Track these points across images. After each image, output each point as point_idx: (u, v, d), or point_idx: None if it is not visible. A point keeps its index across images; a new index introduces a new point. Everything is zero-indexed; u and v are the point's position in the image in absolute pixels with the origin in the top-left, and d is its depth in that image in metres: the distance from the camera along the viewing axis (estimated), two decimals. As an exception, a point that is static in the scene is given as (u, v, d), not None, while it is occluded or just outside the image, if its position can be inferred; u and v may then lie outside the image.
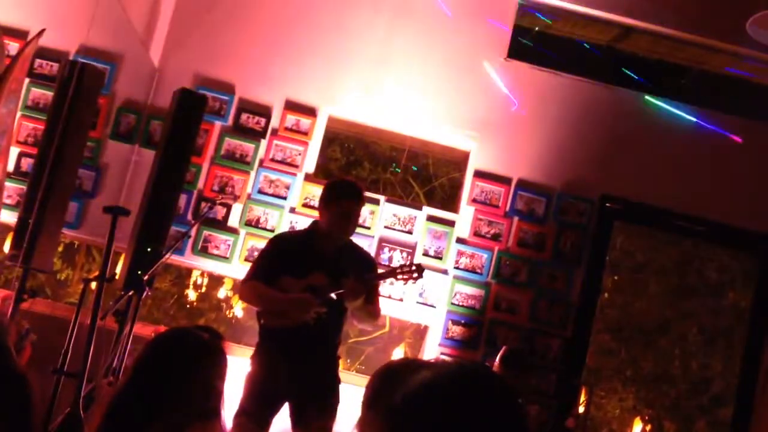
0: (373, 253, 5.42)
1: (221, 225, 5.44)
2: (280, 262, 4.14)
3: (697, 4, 5.73)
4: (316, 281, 4.04)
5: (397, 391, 1.35)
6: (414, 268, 4.18)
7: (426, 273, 5.38)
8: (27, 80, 5.36)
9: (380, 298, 4.38)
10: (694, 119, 5.71)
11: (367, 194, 5.56)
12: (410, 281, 4.20)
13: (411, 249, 5.48)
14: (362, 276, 4.10)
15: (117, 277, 4.83)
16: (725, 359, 8.46)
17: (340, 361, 4.36)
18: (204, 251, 5.42)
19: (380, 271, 4.45)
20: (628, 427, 8.73)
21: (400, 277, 4.18)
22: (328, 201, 4.17)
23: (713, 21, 5.66)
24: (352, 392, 4.86)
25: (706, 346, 8.84)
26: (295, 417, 4.11)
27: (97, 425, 2.05)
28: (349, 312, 4.15)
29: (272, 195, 5.49)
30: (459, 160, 5.87)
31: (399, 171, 8.09)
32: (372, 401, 2.08)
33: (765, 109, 5.86)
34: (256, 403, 4.04)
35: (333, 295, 4.01)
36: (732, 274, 8.56)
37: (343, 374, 5.63)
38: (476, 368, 1.40)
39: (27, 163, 5.33)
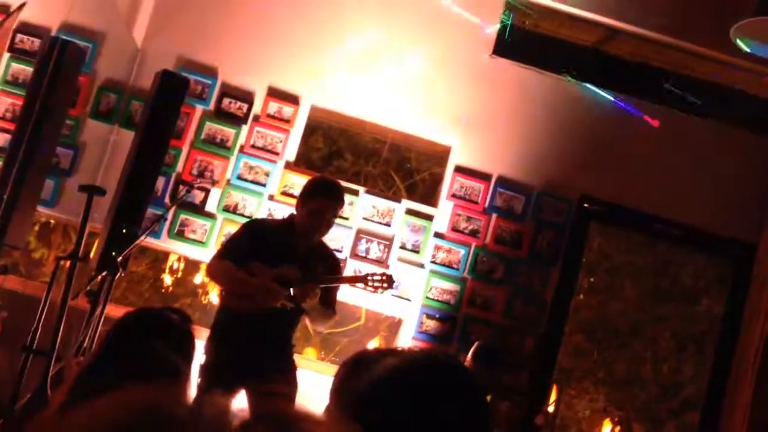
0: (350, 245, 5.42)
1: (199, 209, 5.41)
2: (253, 247, 4.12)
3: (684, 8, 5.75)
4: (288, 274, 4.03)
5: (364, 378, 1.34)
6: (384, 278, 4.18)
7: (402, 266, 5.43)
8: (7, 55, 5.30)
9: (349, 293, 4.37)
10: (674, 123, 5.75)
11: (348, 185, 5.57)
12: (379, 290, 4.20)
13: (388, 241, 5.47)
14: (326, 276, 4.11)
15: (91, 256, 4.80)
16: (696, 364, 8.53)
17: (313, 351, 4.36)
18: (180, 235, 5.38)
19: (348, 270, 4.45)
20: (597, 428, 8.78)
21: (369, 284, 4.18)
22: (304, 197, 4.18)
23: (697, 27, 5.69)
24: (325, 383, 4.87)
25: (678, 351, 8.90)
26: (253, 404, 4.09)
27: (60, 401, 2.03)
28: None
29: (251, 182, 5.47)
30: (441, 155, 5.87)
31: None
32: (340, 388, 2.08)
33: (745, 116, 5.89)
34: (212, 388, 4.02)
35: (291, 292, 4.01)
36: (707, 280, 8.62)
37: (317, 365, 5.64)
38: (442, 357, 1.41)
39: (4, 139, 5.27)
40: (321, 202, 4.12)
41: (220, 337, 4.14)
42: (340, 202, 4.22)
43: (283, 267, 4.05)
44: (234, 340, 4.11)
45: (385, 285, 4.18)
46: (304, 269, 4.06)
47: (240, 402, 4.16)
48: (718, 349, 5.80)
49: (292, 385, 4.16)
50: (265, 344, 4.11)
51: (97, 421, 0.71)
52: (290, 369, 4.20)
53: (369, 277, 4.21)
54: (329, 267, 4.25)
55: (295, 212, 4.29)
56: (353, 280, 4.39)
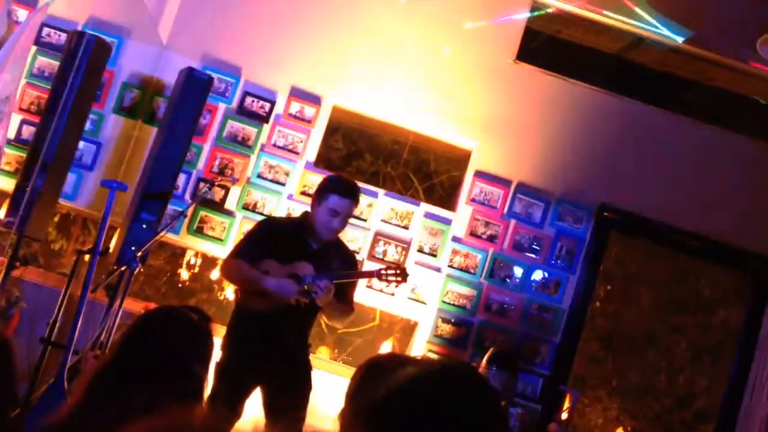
0: (367, 246, 5.43)
1: (218, 207, 5.43)
2: (267, 245, 4.13)
3: (710, 20, 5.71)
4: (302, 270, 4.03)
5: (382, 386, 1.35)
6: (398, 272, 4.18)
7: (419, 269, 5.43)
8: (34, 48, 5.34)
9: (364, 293, 4.37)
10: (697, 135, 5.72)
11: (366, 186, 5.57)
12: (393, 284, 4.21)
13: (406, 244, 5.48)
14: (340, 271, 4.11)
15: (110, 251, 4.83)
16: (711, 376, 8.48)
17: (327, 350, 4.37)
18: (199, 232, 5.41)
19: (364, 269, 4.46)
20: (609, 437, 8.74)
21: (384, 278, 4.19)
22: (319, 195, 4.17)
23: (724, 38, 5.65)
24: (337, 383, 4.88)
25: (694, 362, 8.85)
26: (268, 403, 4.10)
27: (78, 398, 2.05)
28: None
29: (271, 180, 5.48)
30: (460, 159, 5.86)
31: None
32: (356, 393, 2.08)
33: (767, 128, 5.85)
34: (228, 386, 4.03)
35: (306, 288, 4.00)
36: (724, 292, 8.56)
37: (330, 365, 5.64)
38: (461, 368, 1.41)
39: (28, 131, 5.32)
40: (337, 200, 4.12)
41: (236, 336, 4.15)
42: (356, 202, 4.22)
43: (297, 264, 4.06)
44: (250, 338, 4.12)
45: (399, 279, 4.18)
46: (319, 266, 4.07)
47: (255, 400, 4.18)
48: (735, 360, 5.76)
49: (306, 384, 4.18)
50: (281, 343, 4.12)
51: None
52: (306, 369, 4.21)
53: (383, 271, 4.21)
54: (345, 264, 4.26)
55: (310, 210, 4.30)
56: (367, 275, 4.38)
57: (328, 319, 4.33)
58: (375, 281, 5.02)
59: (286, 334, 4.13)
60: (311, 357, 4.32)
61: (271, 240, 4.17)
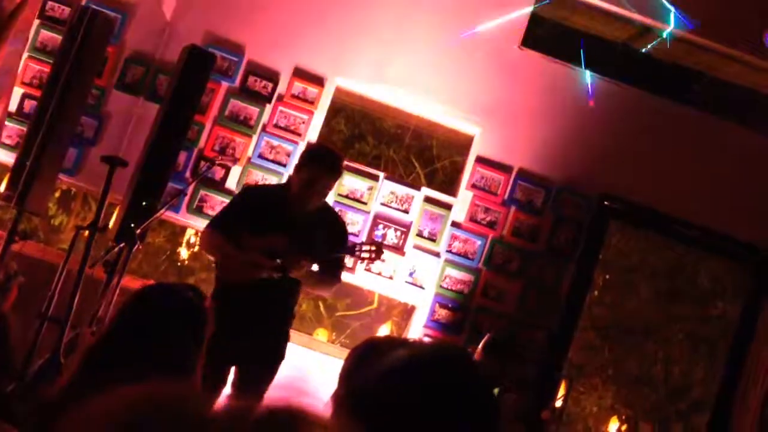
0: (366, 229, 5.42)
1: (219, 186, 5.42)
2: (246, 215, 4.06)
3: (717, 10, 5.68)
4: (276, 244, 3.96)
5: (374, 367, 1.35)
6: (373, 248, 4.14)
7: (418, 254, 5.43)
8: (37, 21, 5.32)
9: (363, 277, 4.31)
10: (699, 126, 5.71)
11: (367, 170, 5.57)
12: (366, 261, 4.18)
13: (406, 228, 5.47)
14: (327, 244, 4.04)
15: (110, 227, 4.83)
16: (707, 367, 8.50)
17: (325, 333, 4.35)
18: (199, 210, 5.41)
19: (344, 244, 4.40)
20: (603, 425, 8.77)
21: (357, 254, 4.15)
22: (299, 164, 4.11)
23: (731, 29, 5.62)
24: (335, 365, 4.89)
25: (690, 353, 8.87)
26: (238, 378, 4.04)
27: (72, 372, 2.06)
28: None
29: (272, 161, 5.47)
30: (463, 144, 5.85)
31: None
32: (349, 375, 2.09)
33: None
34: (209, 363, 3.98)
35: (278, 262, 3.95)
36: (723, 284, 8.57)
37: (327, 347, 5.65)
38: (452, 352, 1.41)
39: (30, 105, 5.30)
40: (314, 171, 4.01)
41: (215, 311, 4.09)
42: (334, 174, 4.10)
43: (271, 236, 3.97)
44: (228, 312, 4.04)
45: (373, 256, 4.14)
46: (299, 237, 3.96)
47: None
48: (731, 351, 5.77)
49: (278, 357, 4.10)
50: (259, 316, 4.02)
51: (120, 411, 0.72)
52: (282, 342, 4.13)
53: (357, 248, 4.17)
54: (329, 235, 4.13)
55: (291, 176, 4.25)
56: (340, 253, 4.30)
57: (309, 289, 4.28)
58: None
59: (265, 307, 4.04)
60: (306, 339, 4.30)
61: (252, 210, 4.09)
